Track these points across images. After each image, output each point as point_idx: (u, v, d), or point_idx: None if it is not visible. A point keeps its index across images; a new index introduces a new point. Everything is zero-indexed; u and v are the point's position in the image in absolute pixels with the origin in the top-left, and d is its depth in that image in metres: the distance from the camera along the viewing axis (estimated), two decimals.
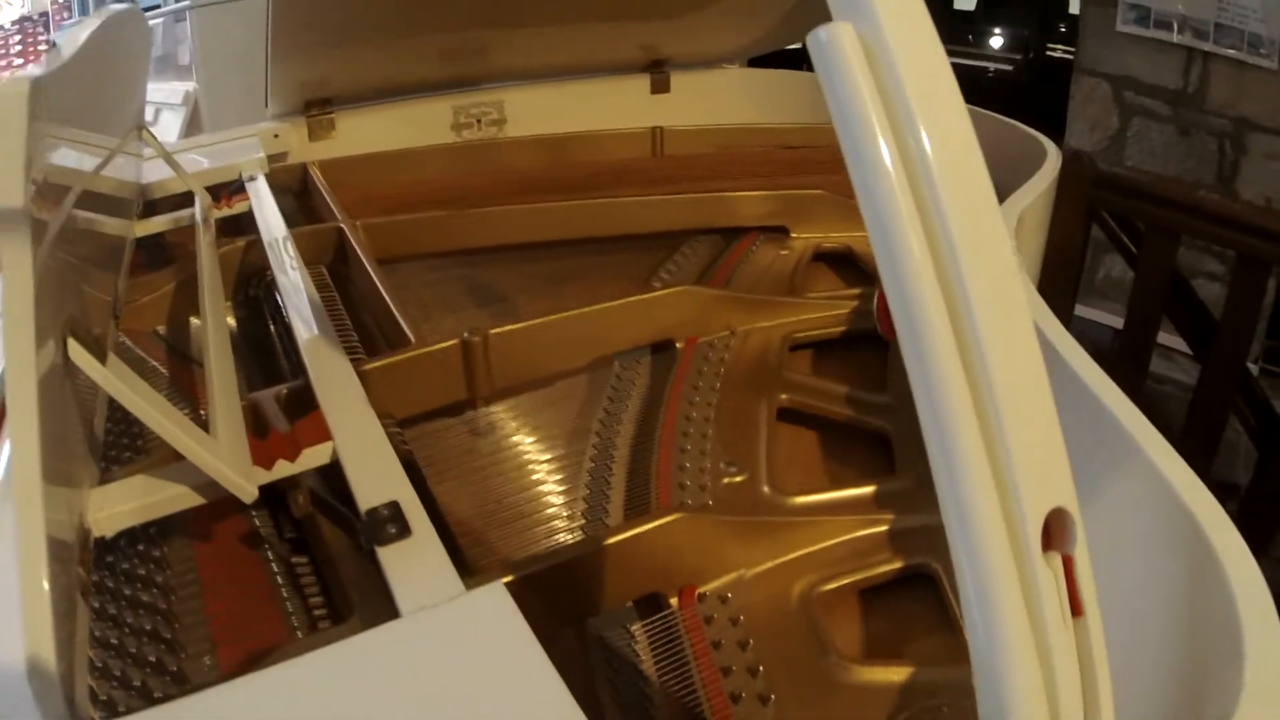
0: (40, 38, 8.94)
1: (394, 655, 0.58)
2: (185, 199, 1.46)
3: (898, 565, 0.86)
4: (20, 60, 8.94)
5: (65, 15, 8.03)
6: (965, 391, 0.37)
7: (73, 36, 0.91)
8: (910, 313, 0.37)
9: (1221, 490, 2.42)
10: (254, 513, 0.87)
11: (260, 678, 0.57)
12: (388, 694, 0.55)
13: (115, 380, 0.66)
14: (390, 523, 0.69)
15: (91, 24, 0.95)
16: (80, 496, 0.73)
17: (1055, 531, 0.41)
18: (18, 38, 9.01)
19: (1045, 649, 0.40)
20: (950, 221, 0.37)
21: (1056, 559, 0.41)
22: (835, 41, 0.39)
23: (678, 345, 1.17)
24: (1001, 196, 1.53)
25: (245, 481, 0.74)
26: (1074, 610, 0.42)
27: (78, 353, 0.65)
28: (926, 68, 0.38)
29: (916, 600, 0.85)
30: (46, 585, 0.54)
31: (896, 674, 0.76)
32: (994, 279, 0.37)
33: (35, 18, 9.03)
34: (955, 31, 4.37)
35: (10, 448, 0.58)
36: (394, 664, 0.57)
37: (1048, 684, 0.40)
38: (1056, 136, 3.27)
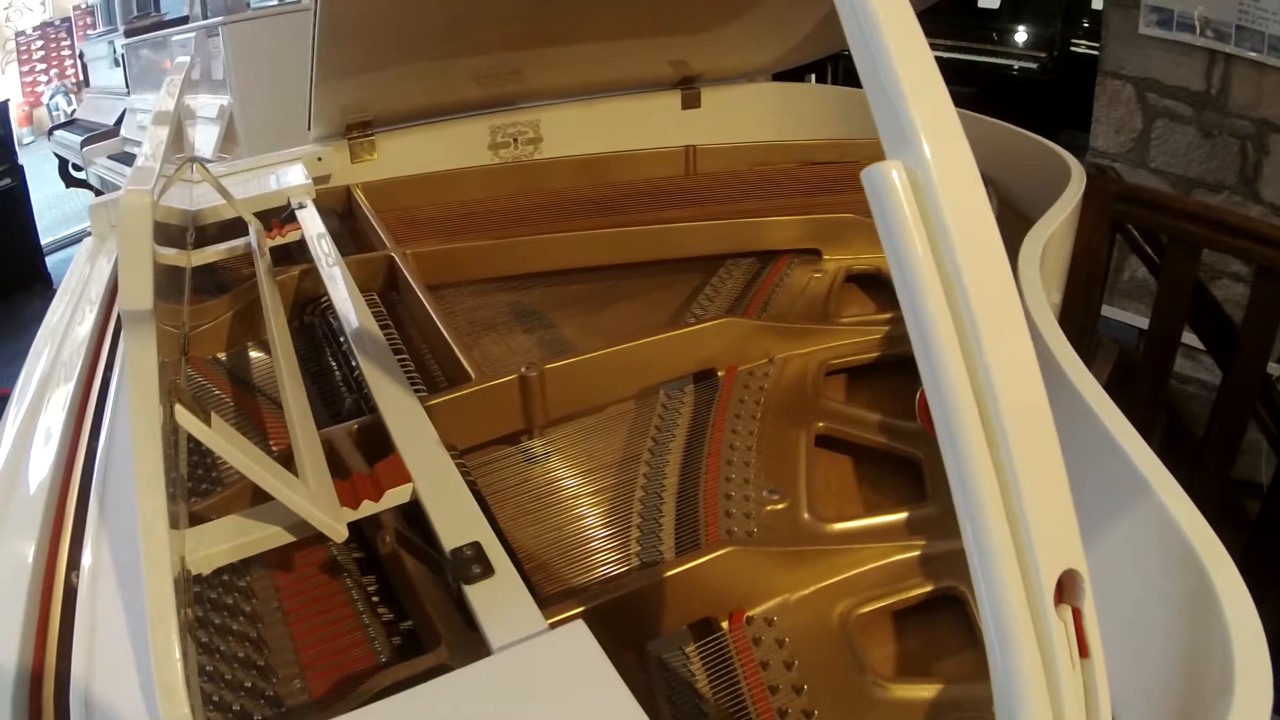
0: (63, 43, 9.07)
1: (492, 688, 0.65)
2: (234, 222, 1.50)
3: (928, 588, 0.91)
4: (43, 65, 9.07)
5: (88, 20, 8.11)
6: (994, 484, 0.44)
7: (162, 109, 0.97)
8: (949, 420, 0.43)
9: (1243, 489, 2.46)
10: (330, 543, 0.92)
11: (376, 710, 0.64)
12: None
13: (218, 438, 0.73)
14: (474, 563, 0.75)
15: (173, 97, 1.01)
16: (180, 538, 0.79)
17: (1066, 588, 0.48)
18: (40, 43, 9.14)
19: (1055, 686, 0.47)
20: (984, 339, 0.43)
21: (1067, 611, 0.48)
22: (886, 177, 0.45)
23: (719, 374, 1.22)
24: (1029, 210, 1.58)
25: (335, 523, 0.80)
26: (1082, 653, 0.49)
27: (184, 417, 0.72)
28: (966, 201, 0.44)
29: (945, 620, 0.90)
30: (178, 653, 0.60)
31: (927, 691, 0.81)
32: (1021, 389, 0.43)
33: (57, 23, 9.15)
34: (979, 29, 4.36)
35: (140, 514, 0.65)
36: (492, 697, 0.64)
37: (1056, 716, 0.47)
38: (1081, 134, 3.30)
